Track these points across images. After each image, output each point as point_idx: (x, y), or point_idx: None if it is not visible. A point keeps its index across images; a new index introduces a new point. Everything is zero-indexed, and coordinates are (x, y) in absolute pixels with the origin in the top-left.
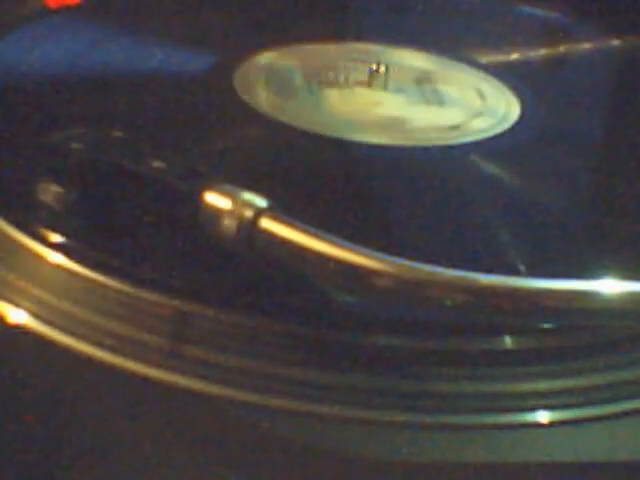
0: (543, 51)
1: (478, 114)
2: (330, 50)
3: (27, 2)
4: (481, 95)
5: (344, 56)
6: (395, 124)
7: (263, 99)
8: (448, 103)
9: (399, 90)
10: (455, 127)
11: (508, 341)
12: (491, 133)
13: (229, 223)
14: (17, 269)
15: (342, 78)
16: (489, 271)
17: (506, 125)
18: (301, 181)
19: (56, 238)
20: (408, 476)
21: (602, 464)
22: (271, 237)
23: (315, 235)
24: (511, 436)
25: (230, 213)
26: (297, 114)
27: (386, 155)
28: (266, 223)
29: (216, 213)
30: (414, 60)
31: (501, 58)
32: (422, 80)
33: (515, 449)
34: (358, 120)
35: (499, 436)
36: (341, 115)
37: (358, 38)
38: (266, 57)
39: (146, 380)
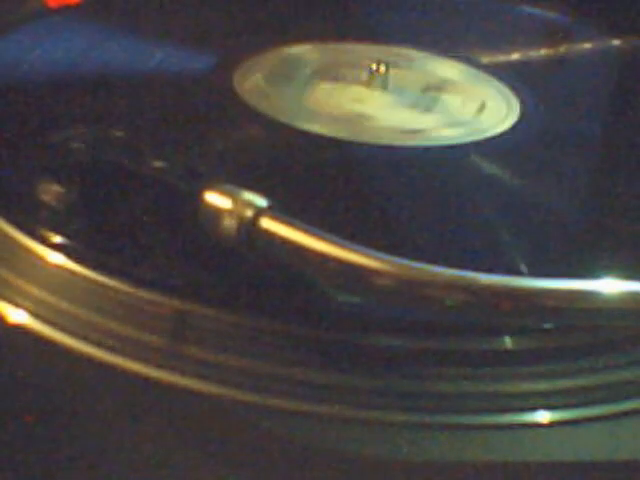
0: (543, 51)
1: (455, 124)
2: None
3: (27, 2)
4: (481, 104)
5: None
6: (357, 120)
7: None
8: (435, 109)
9: (396, 91)
10: (416, 131)
11: (508, 341)
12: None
13: (229, 223)
14: (17, 269)
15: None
16: (489, 271)
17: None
18: (301, 181)
19: (56, 238)
20: (408, 476)
21: (602, 464)
22: (271, 237)
23: (315, 235)
24: (511, 436)
25: (230, 213)
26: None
27: (386, 155)
28: (266, 223)
29: (216, 213)
30: (421, 61)
31: (501, 58)
32: (425, 85)
33: (515, 449)
34: (324, 112)
35: (499, 436)
36: (312, 107)
37: (358, 38)
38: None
39: (146, 380)
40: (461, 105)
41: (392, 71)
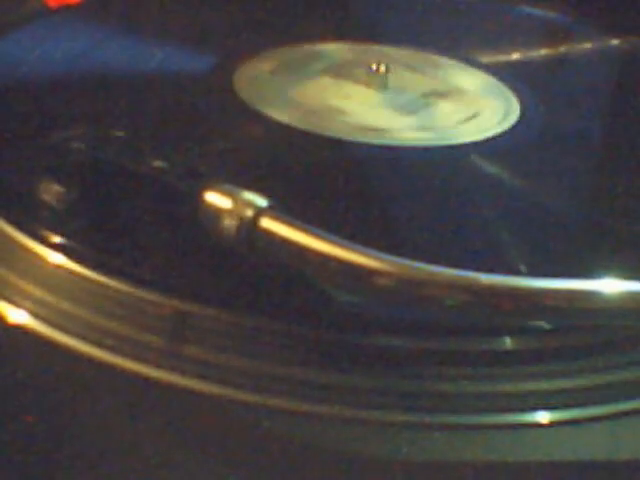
0: (543, 51)
1: (427, 128)
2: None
3: (27, 2)
4: (474, 114)
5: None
6: (328, 113)
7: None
8: (419, 113)
9: (393, 92)
10: (379, 130)
11: (508, 341)
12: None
13: (229, 223)
14: (17, 269)
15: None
16: (490, 271)
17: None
18: (301, 181)
19: (56, 238)
20: (408, 476)
21: (602, 464)
22: (271, 237)
23: (315, 235)
24: (511, 436)
25: (230, 213)
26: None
27: (386, 155)
28: (266, 223)
29: (216, 213)
30: (418, 62)
31: (501, 58)
32: (428, 89)
33: (515, 449)
34: (301, 103)
35: (499, 436)
36: (295, 99)
37: (359, 38)
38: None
39: (146, 380)
40: (450, 112)
41: (397, 73)
